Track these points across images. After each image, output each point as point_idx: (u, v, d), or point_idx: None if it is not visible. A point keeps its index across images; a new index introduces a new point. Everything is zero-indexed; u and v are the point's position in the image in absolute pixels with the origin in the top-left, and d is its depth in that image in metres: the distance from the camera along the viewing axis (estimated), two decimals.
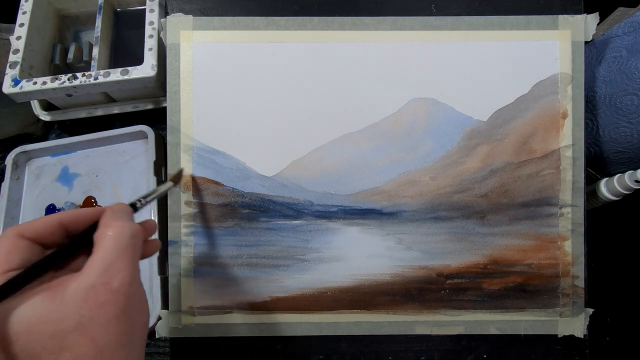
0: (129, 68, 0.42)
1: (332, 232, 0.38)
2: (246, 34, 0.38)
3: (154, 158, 0.43)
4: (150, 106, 0.47)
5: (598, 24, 0.37)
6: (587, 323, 0.38)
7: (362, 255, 0.38)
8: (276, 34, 0.38)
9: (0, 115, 0.47)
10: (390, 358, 0.38)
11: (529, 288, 0.38)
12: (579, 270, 0.38)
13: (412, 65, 0.38)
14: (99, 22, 0.47)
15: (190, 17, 0.38)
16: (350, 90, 0.38)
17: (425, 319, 0.38)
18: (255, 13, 0.39)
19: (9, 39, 0.44)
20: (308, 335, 0.38)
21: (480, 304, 0.38)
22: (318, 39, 0.38)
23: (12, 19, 0.44)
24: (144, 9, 0.45)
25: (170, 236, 0.37)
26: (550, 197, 0.38)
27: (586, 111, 0.38)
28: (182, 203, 0.37)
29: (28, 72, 0.43)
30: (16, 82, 0.41)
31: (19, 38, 0.43)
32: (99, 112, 0.47)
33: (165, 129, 0.38)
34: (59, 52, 0.48)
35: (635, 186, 0.37)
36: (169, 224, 0.37)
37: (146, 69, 0.42)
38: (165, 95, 0.41)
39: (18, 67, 0.42)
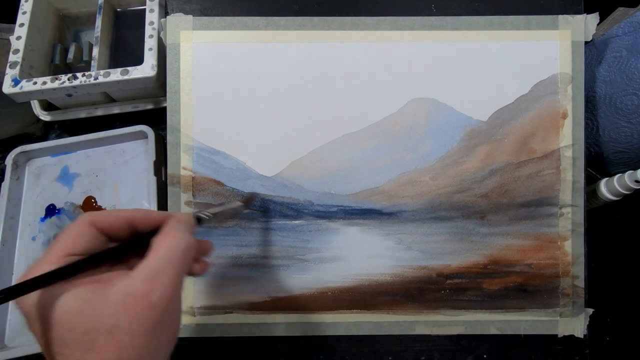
0: (129, 68, 0.42)
1: (332, 232, 0.38)
2: (246, 34, 0.38)
3: (154, 158, 0.43)
4: (150, 106, 0.47)
5: (598, 24, 0.37)
6: (587, 323, 0.38)
7: (362, 255, 0.38)
8: (276, 34, 0.38)
9: (0, 115, 0.47)
10: (390, 358, 0.38)
11: (529, 288, 0.38)
12: (579, 270, 0.38)
13: (412, 65, 0.38)
14: (99, 22, 0.47)
15: (190, 17, 0.38)
16: (350, 90, 0.38)
17: (425, 319, 0.38)
18: (255, 13, 0.39)
19: (9, 39, 0.44)
20: (308, 335, 0.38)
21: (480, 304, 0.38)
22: (318, 39, 0.38)
23: (12, 19, 0.44)
24: (144, 9, 0.45)
25: None
26: (550, 197, 0.37)
27: (586, 111, 0.38)
28: (182, 203, 0.37)
29: (28, 72, 0.43)
30: (16, 82, 0.41)
31: (19, 38, 0.43)
32: (99, 112, 0.47)
33: (165, 129, 0.38)
34: (59, 52, 0.48)
35: (635, 186, 0.37)
36: None
37: (146, 69, 0.42)
38: (165, 95, 0.41)
39: (18, 67, 0.42)
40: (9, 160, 0.45)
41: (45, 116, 0.47)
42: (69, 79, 0.41)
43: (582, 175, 0.37)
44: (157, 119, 0.47)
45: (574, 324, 0.38)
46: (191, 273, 0.26)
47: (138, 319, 0.20)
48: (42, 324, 0.19)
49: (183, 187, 0.37)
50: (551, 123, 0.37)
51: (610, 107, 0.40)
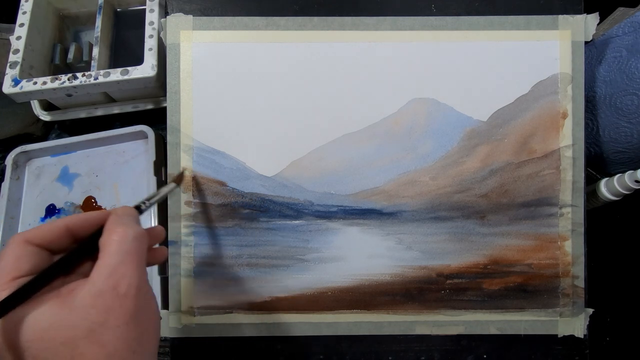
0: (129, 68, 0.42)
1: (332, 232, 0.38)
2: (246, 34, 0.38)
3: (154, 158, 0.43)
4: (150, 106, 0.47)
5: (598, 24, 0.37)
6: (587, 323, 0.38)
7: (362, 255, 0.38)
8: (276, 34, 0.38)
9: (0, 115, 0.47)
10: (390, 358, 0.38)
11: (529, 288, 0.38)
12: (579, 270, 0.38)
13: (412, 65, 0.38)
14: (99, 22, 0.47)
15: (190, 17, 0.38)
16: (350, 90, 0.38)
17: (425, 319, 0.38)
18: (255, 13, 0.39)
19: (9, 39, 0.44)
20: (308, 335, 0.38)
21: (480, 304, 0.38)
22: (318, 39, 0.38)
23: (12, 19, 0.44)
24: (144, 9, 0.45)
25: (170, 236, 0.37)
26: (550, 197, 0.37)
27: (586, 111, 0.38)
28: (182, 203, 0.37)
29: (28, 72, 0.43)
30: (16, 82, 0.41)
31: (19, 38, 0.43)
32: (99, 112, 0.47)
33: (165, 129, 0.38)
34: (59, 52, 0.48)
35: (635, 186, 0.37)
36: (169, 224, 0.37)
37: (146, 69, 0.42)
38: (165, 95, 0.41)
39: (18, 67, 0.42)
40: (9, 160, 0.45)
41: (45, 116, 0.47)
42: (69, 79, 0.41)
43: (582, 175, 0.37)
44: (157, 119, 0.47)
45: (574, 324, 0.38)
46: (150, 262, 0.26)
47: (113, 314, 0.20)
48: (14, 350, 0.19)
49: (183, 187, 0.37)
50: (551, 123, 0.37)
51: (610, 107, 0.40)
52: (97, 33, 0.46)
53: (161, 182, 0.43)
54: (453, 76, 0.38)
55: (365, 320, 0.38)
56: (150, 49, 0.43)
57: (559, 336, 0.38)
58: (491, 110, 0.38)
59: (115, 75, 0.41)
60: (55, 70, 0.48)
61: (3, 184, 0.44)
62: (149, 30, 0.44)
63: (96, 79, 0.41)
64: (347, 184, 0.38)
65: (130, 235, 0.22)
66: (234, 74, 0.38)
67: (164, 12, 0.43)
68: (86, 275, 0.21)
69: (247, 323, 0.38)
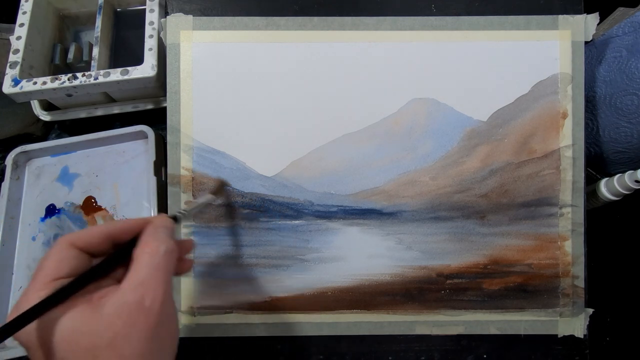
0: (129, 68, 0.42)
1: (332, 232, 0.38)
2: (246, 34, 0.38)
3: (154, 158, 0.43)
4: (150, 106, 0.47)
5: (598, 24, 0.37)
6: (587, 323, 0.38)
7: (362, 255, 0.38)
8: (276, 34, 0.38)
9: (0, 115, 0.47)
10: (390, 358, 0.38)
11: (529, 288, 0.38)
12: (579, 270, 0.38)
13: (412, 65, 0.38)
14: (99, 22, 0.47)
15: (190, 17, 0.38)
16: (350, 90, 0.38)
17: (425, 319, 0.38)
18: (255, 13, 0.39)
19: (9, 39, 0.44)
20: (308, 335, 0.38)
21: (480, 304, 0.38)
22: (318, 39, 0.38)
23: (12, 19, 0.44)
24: (144, 9, 0.45)
25: None
26: (550, 197, 0.38)
27: (586, 111, 0.38)
28: (182, 203, 0.37)
29: (28, 72, 0.43)
30: (16, 82, 0.41)
31: (19, 38, 0.43)
32: (99, 112, 0.47)
33: (165, 129, 0.38)
34: (59, 52, 0.48)
35: (635, 186, 0.37)
36: None
37: (146, 69, 0.42)
38: (165, 95, 0.41)
39: (18, 67, 0.42)
40: (9, 160, 0.45)
41: (45, 116, 0.47)
42: (69, 79, 0.41)
43: (582, 175, 0.37)
44: (157, 119, 0.47)
45: (574, 324, 0.38)
46: (177, 273, 0.27)
47: (135, 327, 0.20)
48: (44, 350, 0.20)
49: (183, 187, 0.37)
50: (551, 123, 0.37)
51: (610, 107, 0.40)
52: (97, 33, 0.46)
53: (161, 182, 0.43)
54: (453, 76, 0.38)
55: (365, 320, 0.38)
56: (150, 49, 0.43)
57: (559, 336, 0.38)
58: (491, 110, 0.38)
59: (115, 75, 0.41)
60: (55, 70, 0.48)
61: (3, 184, 0.44)
62: (149, 30, 0.44)
63: (96, 79, 0.41)
64: (347, 184, 0.38)
65: (162, 250, 0.23)
66: (234, 74, 0.38)
67: (164, 12, 0.43)
68: (119, 280, 0.22)
69: (247, 323, 0.38)
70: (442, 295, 0.38)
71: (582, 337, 0.38)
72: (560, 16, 0.37)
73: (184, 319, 0.38)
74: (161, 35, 0.38)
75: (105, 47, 0.48)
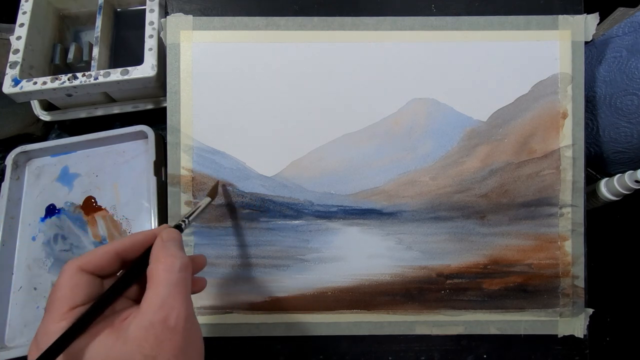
0: (129, 68, 0.42)
1: (332, 232, 0.38)
2: (246, 34, 0.38)
3: (154, 158, 0.43)
4: (150, 106, 0.47)
5: (598, 24, 0.37)
6: (587, 323, 0.38)
7: (362, 255, 0.38)
8: (276, 34, 0.38)
9: (0, 115, 0.47)
10: (390, 358, 0.38)
11: (529, 288, 0.38)
12: (579, 270, 0.38)
13: (412, 65, 0.38)
14: (99, 22, 0.47)
15: (190, 17, 0.38)
16: (350, 90, 0.38)
17: (425, 319, 0.38)
18: (255, 13, 0.39)
19: (9, 39, 0.44)
20: (308, 335, 0.38)
21: (480, 304, 0.38)
22: (318, 39, 0.38)
23: (12, 19, 0.44)
24: (144, 9, 0.45)
25: None
26: (550, 197, 0.38)
27: (586, 111, 0.38)
28: (182, 203, 0.37)
29: (28, 72, 0.43)
30: (16, 82, 0.41)
31: (19, 38, 0.43)
32: (99, 112, 0.47)
33: (165, 129, 0.38)
34: (59, 52, 0.48)
35: (635, 186, 0.37)
36: (170, 224, 0.37)
37: (146, 69, 0.42)
38: (165, 95, 0.41)
39: (18, 67, 0.42)
40: (9, 160, 0.45)
41: (45, 116, 0.47)
42: (69, 79, 0.41)
43: (582, 175, 0.37)
44: (157, 119, 0.47)
45: (574, 324, 0.38)
46: (192, 291, 0.26)
47: (164, 346, 0.20)
48: None
49: (183, 187, 0.37)
50: (551, 123, 0.37)
51: (610, 107, 0.40)
52: (97, 33, 0.46)
53: (161, 182, 0.43)
54: (453, 76, 0.38)
55: (365, 320, 0.38)
56: (150, 49, 0.43)
57: (559, 336, 0.38)
58: (491, 110, 0.38)
59: (115, 75, 0.41)
60: (55, 70, 0.48)
61: (3, 184, 0.44)
62: (149, 30, 0.44)
63: (96, 79, 0.41)
64: (347, 184, 0.38)
65: (177, 265, 0.22)
66: (234, 74, 0.38)
67: (164, 12, 0.43)
68: (133, 298, 0.22)
69: (247, 323, 0.38)
70: (442, 295, 0.38)
71: (582, 337, 0.38)
72: (560, 16, 0.37)
73: None
74: (161, 35, 0.38)
75: (105, 47, 0.48)
